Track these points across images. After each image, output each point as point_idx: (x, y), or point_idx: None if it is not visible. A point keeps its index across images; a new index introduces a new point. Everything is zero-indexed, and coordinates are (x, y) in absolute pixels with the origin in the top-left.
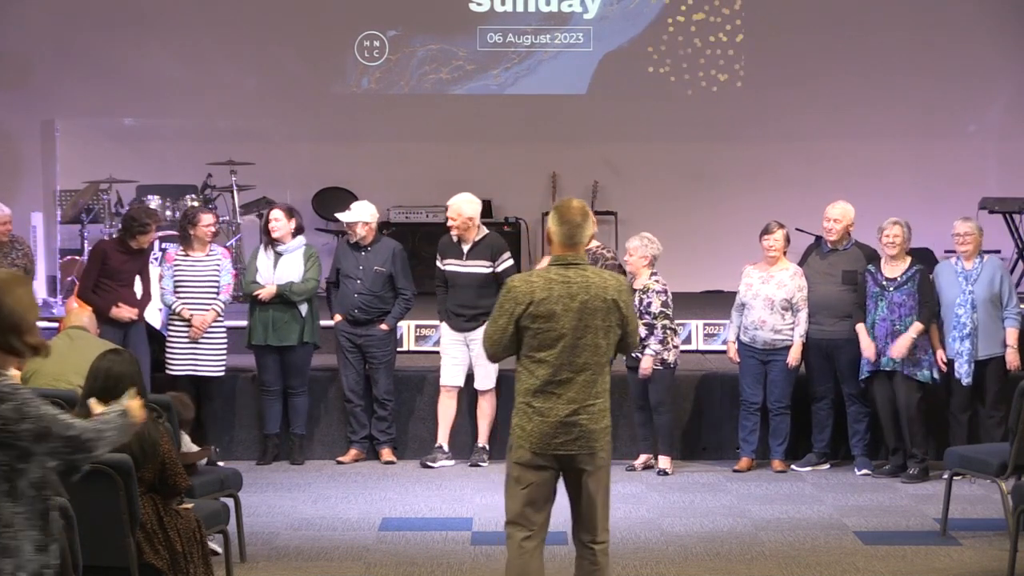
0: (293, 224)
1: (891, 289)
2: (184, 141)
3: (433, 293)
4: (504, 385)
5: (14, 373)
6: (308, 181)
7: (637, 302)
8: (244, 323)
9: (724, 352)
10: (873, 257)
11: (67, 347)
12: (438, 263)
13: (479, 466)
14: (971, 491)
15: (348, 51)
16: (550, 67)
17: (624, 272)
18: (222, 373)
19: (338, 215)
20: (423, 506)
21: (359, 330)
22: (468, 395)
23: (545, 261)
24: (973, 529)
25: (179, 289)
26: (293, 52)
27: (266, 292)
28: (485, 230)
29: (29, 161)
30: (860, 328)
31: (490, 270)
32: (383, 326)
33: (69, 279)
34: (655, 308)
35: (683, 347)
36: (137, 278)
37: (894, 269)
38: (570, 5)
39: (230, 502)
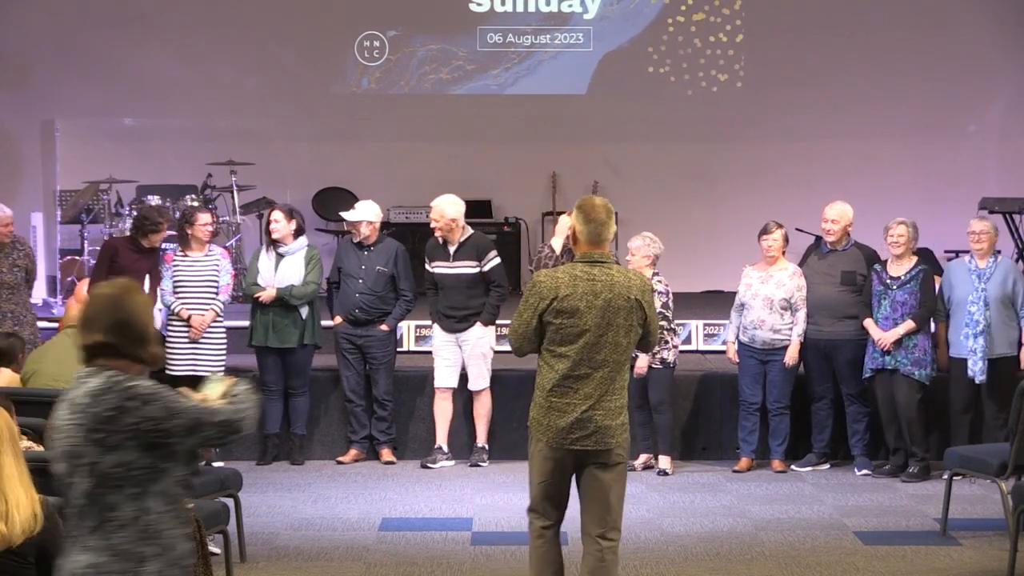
0: (294, 225)
1: (894, 288)
2: (184, 141)
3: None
4: (498, 385)
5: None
6: (308, 181)
7: None
8: (245, 323)
9: (724, 352)
10: (873, 257)
11: (67, 347)
12: (427, 266)
13: (479, 466)
14: (971, 491)
15: (348, 51)
16: (550, 67)
17: None
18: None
19: (343, 214)
20: (423, 506)
21: (359, 330)
22: (465, 396)
23: (562, 223)
24: (973, 529)
25: (178, 289)
26: (293, 52)
27: (266, 295)
28: (470, 230)
29: (29, 161)
30: (868, 323)
31: (477, 270)
32: (383, 327)
33: (69, 279)
34: (656, 308)
35: (683, 347)
36: (146, 278)
37: (899, 268)
38: (570, 5)
39: (230, 502)
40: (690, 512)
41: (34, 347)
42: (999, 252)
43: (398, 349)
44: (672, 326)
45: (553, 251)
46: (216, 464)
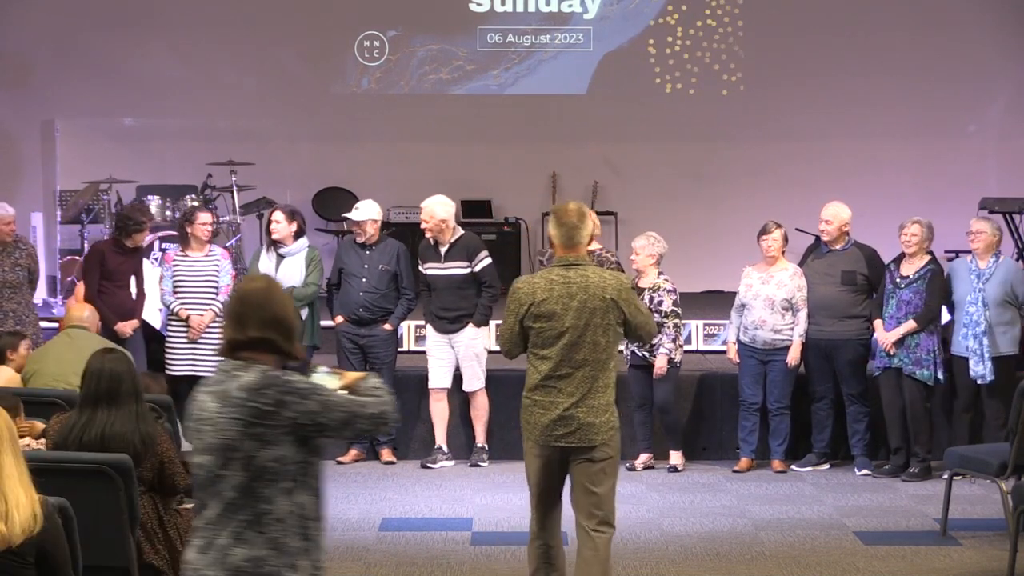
0: (294, 226)
1: (902, 287)
2: (184, 141)
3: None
4: (495, 385)
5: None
6: (308, 181)
7: (647, 300)
8: None
9: (724, 352)
10: (873, 257)
11: (67, 347)
12: (420, 267)
13: (479, 466)
14: (971, 491)
15: (348, 51)
16: (550, 67)
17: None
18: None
19: (348, 215)
20: (423, 506)
21: (362, 330)
22: (462, 396)
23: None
24: (973, 529)
25: (178, 289)
26: (293, 52)
27: None
28: (460, 231)
29: (29, 161)
30: (876, 323)
31: (468, 270)
32: (387, 326)
33: (69, 279)
34: (666, 307)
35: (684, 347)
36: (132, 278)
37: (909, 267)
38: (570, 5)
39: None
40: (690, 512)
41: (36, 347)
42: (1000, 252)
43: (398, 349)
44: (681, 325)
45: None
46: None
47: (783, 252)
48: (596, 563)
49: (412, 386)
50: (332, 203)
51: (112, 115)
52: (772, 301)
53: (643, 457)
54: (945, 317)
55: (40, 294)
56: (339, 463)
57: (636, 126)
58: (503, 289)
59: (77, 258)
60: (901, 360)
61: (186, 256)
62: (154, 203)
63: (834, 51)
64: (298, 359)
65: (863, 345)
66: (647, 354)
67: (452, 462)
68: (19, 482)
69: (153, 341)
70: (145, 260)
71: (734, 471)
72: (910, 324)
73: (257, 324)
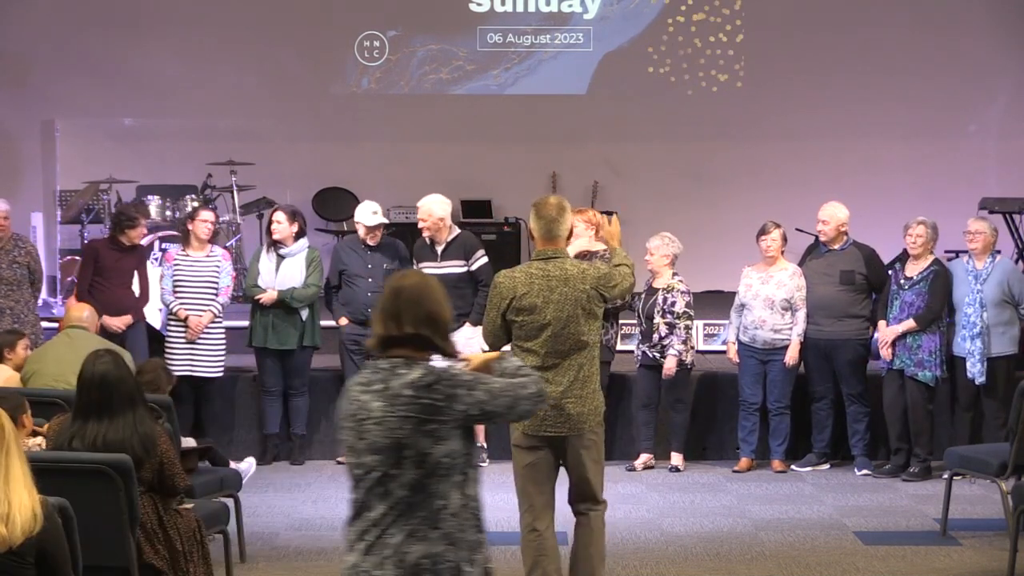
0: (295, 227)
1: (906, 288)
2: (184, 141)
3: None
4: None
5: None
6: (308, 181)
7: (661, 301)
8: (245, 323)
9: (724, 352)
10: (872, 257)
11: (66, 347)
12: (414, 267)
13: (478, 466)
14: (971, 491)
15: (348, 51)
16: (550, 67)
17: None
18: (220, 374)
19: (362, 220)
20: None
21: (368, 330)
22: None
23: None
24: (973, 529)
25: (178, 289)
26: (293, 52)
27: (267, 298)
28: (457, 230)
29: (29, 161)
30: (881, 324)
31: (465, 269)
32: None
33: (69, 279)
34: (679, 308)
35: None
36: (135, 277)
37: (914, 268)
38: (570, 5)
39: (230, 502)
40: (690, 512)
41: (35, 347)
42: (999, 252)
43: None
44: (693, 324)
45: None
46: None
47: (782, 252)
48: (591, 537)
49: None
50: (332, 203)
51: (112, 115)
52: (772, 301)
53: (643, 457)
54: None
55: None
56: (339, 463)
57: (636, 126)
58: None
59: (77, 258)
60: (903, 362)
61: (187, 256)
62: (154, 203)
63: (834, 51)
64: (453, 356)
65: (862, 345)
66: (657, 355)
67: None
68: (23, 484)
69: (153, 341)
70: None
71: (734, 471)
72: (909, 323)
73: (412, 320)
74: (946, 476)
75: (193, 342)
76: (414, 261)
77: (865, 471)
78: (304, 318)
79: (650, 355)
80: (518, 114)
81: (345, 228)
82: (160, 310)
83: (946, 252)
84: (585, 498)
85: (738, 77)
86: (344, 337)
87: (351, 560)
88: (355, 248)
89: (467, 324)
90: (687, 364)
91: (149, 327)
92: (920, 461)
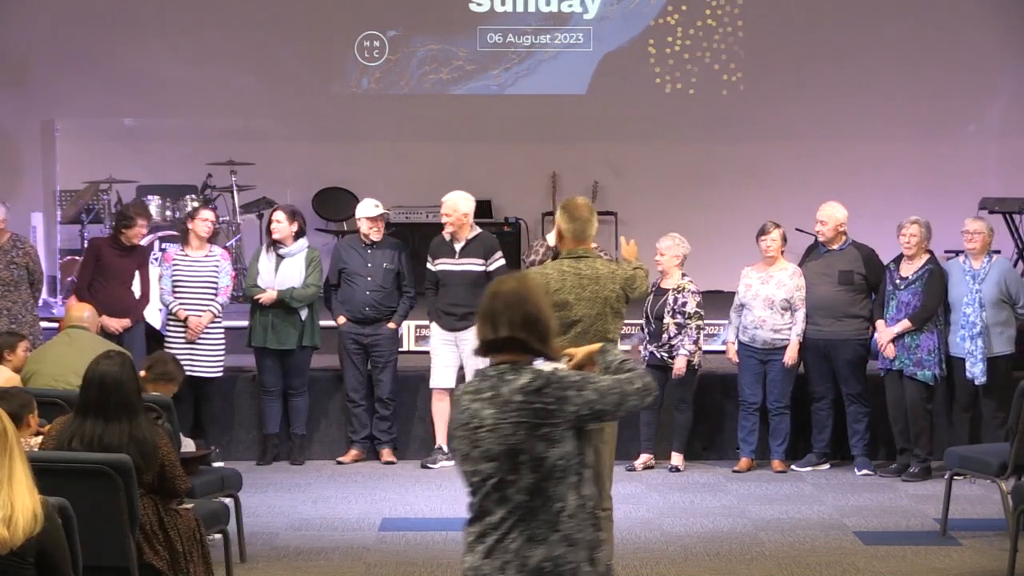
0: (295, 227)
1: (901, 288)
2: (184, 141)
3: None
4: None
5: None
6: (308, 181)
7: (671, 301)
8: (244, 323)
9: (724, 352)
10: (871, 257)
11: (66, 347)
12: (428, 265)
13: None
14: (971, 491)
15: (348, 51)
16: (550, 67)
17: None
18: (220, 374)
19: (364, 214)
20: (423, 506)
21: (366, 329)
22: None
23: (550, 238)
24: (973, 529)
25: (177, 289)
26: (293, 52)
27: (267, 297)
28: (478, 228)
29: (29, 161)
30: (878, 324)
31: (483, 268)
32: (390, 324)
33: (69, 279)
34: (690, 308)
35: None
36: (136, 278)
37: (908, 268)
38: (570, 5)
39: (230, 502)
40: (690, 512)
41: (35, 347)
42: (998, 252)
43: (399, 349)
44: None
45: (549, 246)
46: (216, 464)
47: (782, 252)
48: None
49: (412, 386)
50: (332, 203)
51: (112, 115)
52: (772, 301)
53: (643, 457)
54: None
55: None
56: (339, 463)
57: (636, 126)
58: None
59: (77, 258)
60: (902, 362)
61: (186, 256)
62: (154, 203)
63: (834, 51)
64: (555, 358)
65: (862, 345)
66: (665, 355)
67: (452, 462)
68: (25, 486)
69: (153, 341)
70: None
71: (734, 471)
72: (905, 324)
73: (508, 324)
74: (946, 476)
75: (193, 342)
76: (429, 257)
77: (865, 471)
78: (303, 318)
79: (658, 355)
80: (518, 114)
81: (345, 228)
82: (160, 310)
83: (945, 252)
84: (600, 499)
85: (738, 77)
86: (343, 336)
87: (471, 561)
88: (355, 247)
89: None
90: (695, 365)
91: (149, 327)
92: (920, 461)
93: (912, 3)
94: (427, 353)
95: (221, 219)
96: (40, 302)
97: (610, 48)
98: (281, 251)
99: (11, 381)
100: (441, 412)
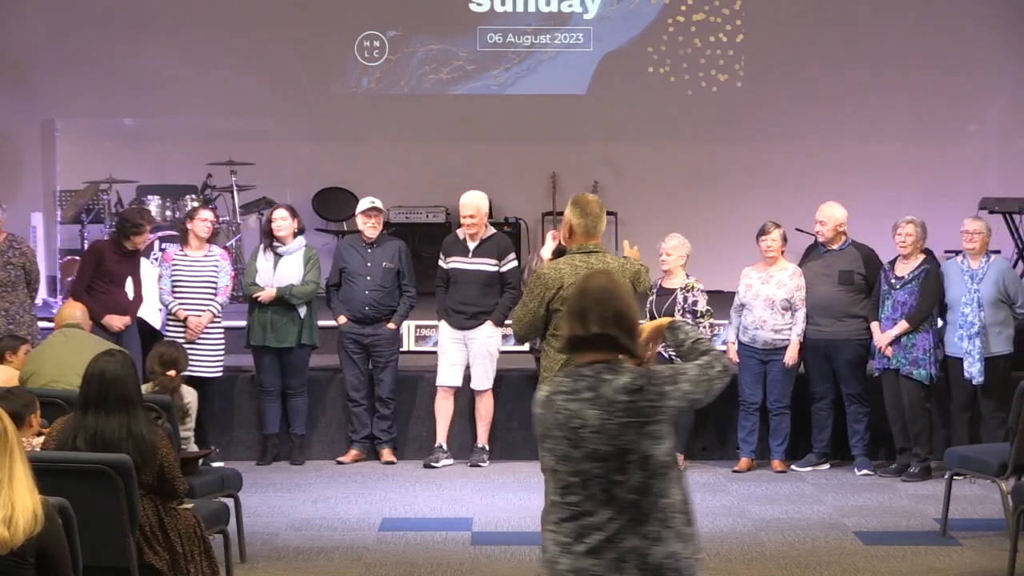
0: (296, 224)
1: (897, 287)
2: (184, 141)
3: (433, 293)
4: (500, 385)
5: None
6: (308, 181)
7: (681, 300)
8: (243, 323)
9: (724, 352)
10: (871, 257)
11: (63, 347)
12: (440, 263)
13: (479, 466)
14: (971, 491)
15: (348, 51)
16: (550, 67)
17: None
18: (219, 374)
19: (360, 209)
20: (423, 506)
21: (367, 329)
22: (465, 395)
23: (548, 242)
24: (973, 529)
25: (177, 289)
26: (293, 52)
27: (266, 295)
28: (492, 229)
29: (29, 161)
30: (873, 325)
31: (496, 268)
32: (390, 324)
33: (69, 279)
34: (701, 307)
35: None
36: (129, 280)
37: (904, 268)
38: (570, 5)
39: (230, 502)
40: None
41: (33, 347)
42: (997, 251)
43: (399, 349)
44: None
45: (543, 260)
46: (216, 464)
47: (782, 252)
48: None
49: (412, 386)
50: (332, 203)
51: (112, 115)
52: (772, 301)
53: None
54: (938, 322)
55: (40, 294)
56: (339, 463)
57: (636, 126)
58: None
59: (77, 258)
60: (899, 361)
61: (185, 256)
62: (154, 203)
63: (834, 51)
64: (640, 357)
65: (862, 345)
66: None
67: (452, 462)
68: (25, 486)
69: (153, 340)
70: (144, 260)
71: (734, 471)
72: (903, 325)
73: (599, 320)
74: (946, 476)
75: (192, 342)
76: (441, 255)
77: (865, 471)
78: (303, 316)
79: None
80: (518, 114)
81: (345, 228)
82: (160, 310)
83: (945, 252)
84: None
85: (738, 77)
86: (343, 336)
87: (570, 563)
88: (356, 246)
89: (488, 323)
90: None
91: (150, 327)
92: (920, 461)
93: (912, 3)
94: (428, 353)
95: (221, 219)
96: (40, 302)
97: (610, 48)
98: (279, 250)
99: (11, 380)
100: (444, 411)
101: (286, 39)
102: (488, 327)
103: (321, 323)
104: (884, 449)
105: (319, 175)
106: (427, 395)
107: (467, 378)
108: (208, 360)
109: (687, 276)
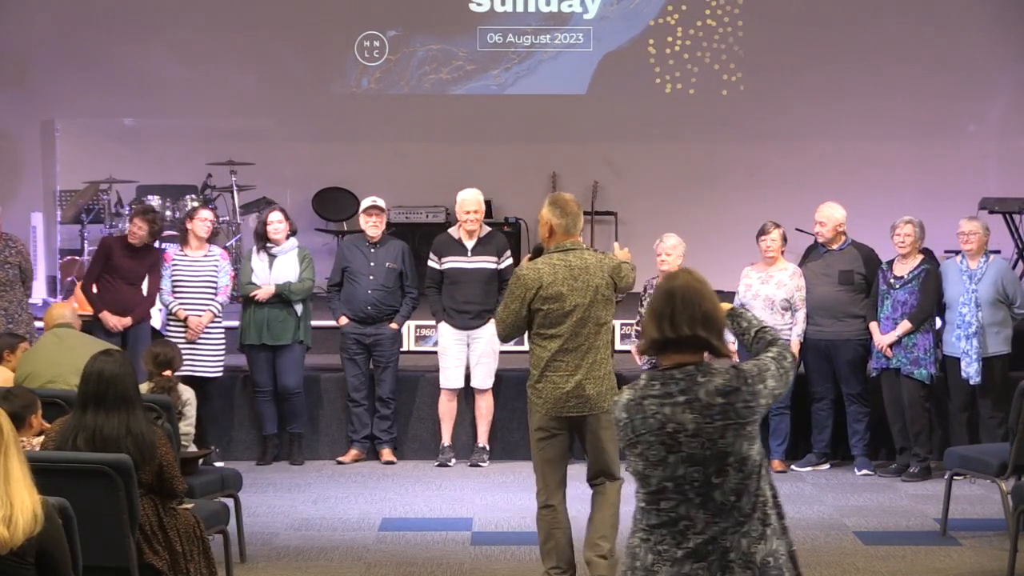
0: (288, 227)
1: (897, 287)
2: (184, 141)
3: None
4: (500, 384)
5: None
6: (308, 181)
7: None
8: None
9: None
10: (871, 257)
11: (57, 347)
12: (433, 263)
13: (479, 466)
14: (971, 491)
15: (348, 51)
16: (550, 67)
17: None
18: (220, 374)
19: (371, 204)
20: (423, 506)
21: (369, 329)
22: (466, 394)
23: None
24: (973, 529)
25: (177, 289)
26: (293, 52)
27: (264, 292)
28: (488, 227)
29: (29, 161)
30: (872, 325)
31: (495, 266)
32: (392, 324)
33: (69, 279)
34: None
35: None
36: (145, 278)
37: (903, 268)
38: (570, 5)
39: (230, 502)
40: None
41: (31, 346)
42: (997, 251)
43: (400, 349)
44: None
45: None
46: (216, 464)
47: (782, 252)
48: (605, 501)
49: (412, 386)
50: (332, 203)
51: (112, 115)
52: (772, 301)
53: None
54: (936, 322)
55: (40, 294)
56: (339, 463)
57: (636, 126)
58: None
59: (77, 258)
60: (899, 361)
61: (185, 256)
62: (154, 203)
63: (834, 51)
64: (728, 355)
65: (862, 345)
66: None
67: (452, 461)
68: (23, 485)
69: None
70: None
71: None
72: (905, 325)
73: (688, 321)
74: (946, 476)
75: (193, 342)
76: (434, 255)
77: (865, 471)
78: (299, 314)
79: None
80: (518, 114)
81: (345, 228)
82: (160, 310)
83: (945, 252)
84: (602, 473)
85: (738, 77)
86: (344, 336)
87: (671, 570)
88: (359, 246)
89: (492, 321)
90: None
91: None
92: (920, 461)
93: (912, 3)
94: (428, 353)
95: (221, 219)
96: (41, 302)
97: (610, 48)
98: (273, 251)
99: (8, 380)
100: (449, 413)
101: (286, 39)
102: (492, 326)
103: (317, 324)
104: (884, 449)
105: (319, 175)
106: (427, 395)
107: (466, 378)
108: (208, 360)
109: None
